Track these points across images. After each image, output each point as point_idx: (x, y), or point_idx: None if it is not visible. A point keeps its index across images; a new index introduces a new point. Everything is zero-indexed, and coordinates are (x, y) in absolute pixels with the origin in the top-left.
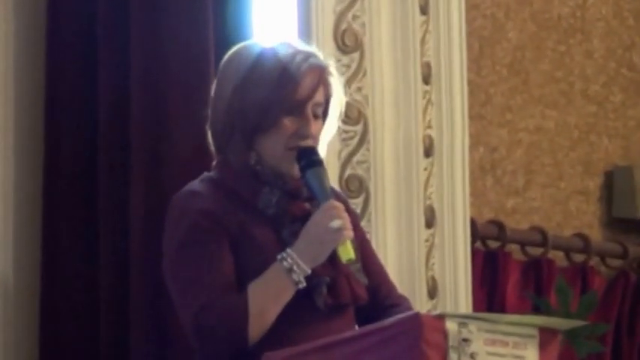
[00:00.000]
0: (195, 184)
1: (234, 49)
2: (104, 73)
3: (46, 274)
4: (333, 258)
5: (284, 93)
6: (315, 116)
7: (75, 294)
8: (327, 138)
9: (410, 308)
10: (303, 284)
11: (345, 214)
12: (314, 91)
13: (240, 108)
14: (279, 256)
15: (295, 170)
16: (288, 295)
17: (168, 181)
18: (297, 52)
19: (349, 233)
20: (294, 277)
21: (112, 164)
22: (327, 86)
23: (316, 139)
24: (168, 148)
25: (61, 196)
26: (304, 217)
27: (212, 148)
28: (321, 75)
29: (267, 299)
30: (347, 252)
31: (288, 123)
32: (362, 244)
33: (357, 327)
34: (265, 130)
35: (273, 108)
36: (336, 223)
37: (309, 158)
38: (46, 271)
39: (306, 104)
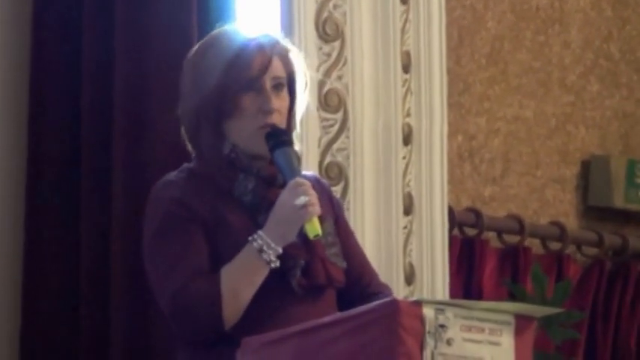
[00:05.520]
0: (171, 175)
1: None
2: (87, 61)
3: (28, 266)
4: (308, 240)
5: (236, 71)
6: (277, 90)
7: (56, 286)
8: (298, 113)
9: (391, 296)
10: (275, 264)
11: (312, 192)
12: (266, 65)
13: (200, 98)
14: (250, 238)
15: (266, 149)
16: (261, 276)
17: (151, 169)
18: (248, 33)
19: (315, 209)
20: (265, 257)
21: (95, 153)
22: (286, 60)
23: (282, 113)
24: (152, 137)
25: (43, 190)
26: None
27: (187, 143)
28: (273, 48)
29: (239, 280)
30: (313, 228)
31: (247, 101)
32: (344, 232)
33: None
34: (229, 114)
35: (228, 89)
36: (301, 200)
37: (277, 139)
38: (28, 263)
39: (260, 79)
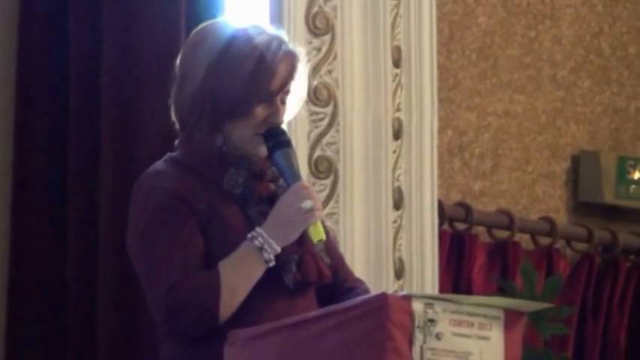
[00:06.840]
0: (159, 164)
1: (202, 27)
2: (75, 52)
3: (15, 262)
4: (300, 237)
5: (260, 84)
6: (282, 102)
7: (44, 282)
8: (287, 118)
9: (367, 291)
10: (273, 263)
11: (317, 195)
12: (288, 81)
13: (213, 93)
14: (249, 235)
15: (261, 152)
16: (258, 274)
17: (139, 160)
18: (272, 38)
19: (320, 214)
20: (265, 255)
21: (82, 145)
22: (295, 71)
23: (282, 123)
24: (140, 125)
25: (30, 183)
26: (270, 198)
27: (176, 125)
28: (293, 64)
29: (238, 277)
30: (318, 232)
31: (259, 111)
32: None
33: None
34: (236, 117)
35: (248, 98)
36: (307, 204)
37: (277, 139)
38: (15, 259)
39: (278, 94)
